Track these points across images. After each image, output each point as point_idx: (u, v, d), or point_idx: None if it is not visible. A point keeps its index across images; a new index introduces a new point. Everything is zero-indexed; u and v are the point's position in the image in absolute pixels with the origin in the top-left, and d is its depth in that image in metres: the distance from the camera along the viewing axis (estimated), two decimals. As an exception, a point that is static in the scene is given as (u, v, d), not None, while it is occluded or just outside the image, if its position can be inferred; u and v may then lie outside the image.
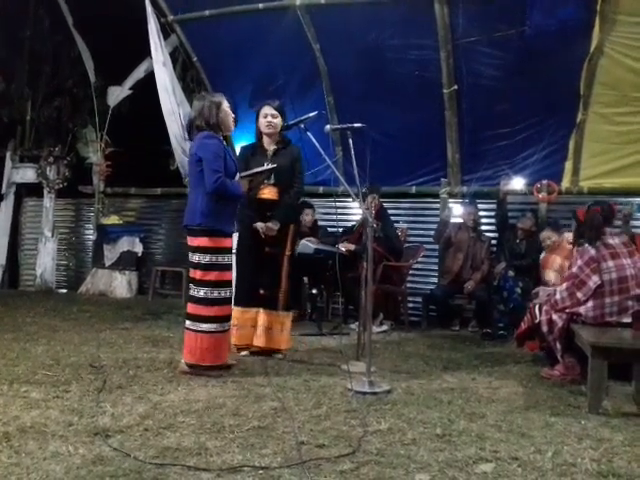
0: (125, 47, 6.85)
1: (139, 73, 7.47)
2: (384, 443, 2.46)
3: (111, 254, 7.48)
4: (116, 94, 7.60)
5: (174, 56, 7.06)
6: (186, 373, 3.47)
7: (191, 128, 3.61)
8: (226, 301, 3.56)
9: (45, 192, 7.74)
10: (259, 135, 4.10)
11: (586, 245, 3.64)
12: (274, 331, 3.98)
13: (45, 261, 7.67)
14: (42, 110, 7.96)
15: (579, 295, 3.54)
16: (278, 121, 4.00)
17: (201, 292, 3.49)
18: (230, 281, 3.60)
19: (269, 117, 4.00)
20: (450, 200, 6.15)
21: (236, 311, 3.92)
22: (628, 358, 3.09)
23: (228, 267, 3.57)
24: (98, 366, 3.59)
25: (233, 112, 3.68)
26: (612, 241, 3.64)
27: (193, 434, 2.48)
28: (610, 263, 3.54)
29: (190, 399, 2.97)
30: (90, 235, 7.92)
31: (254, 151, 4.08)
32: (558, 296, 3.64)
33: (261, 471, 2.14)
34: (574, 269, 3.62)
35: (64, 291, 7.74)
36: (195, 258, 3.52)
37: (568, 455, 2.38)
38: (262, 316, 3.96)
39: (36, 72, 7.86)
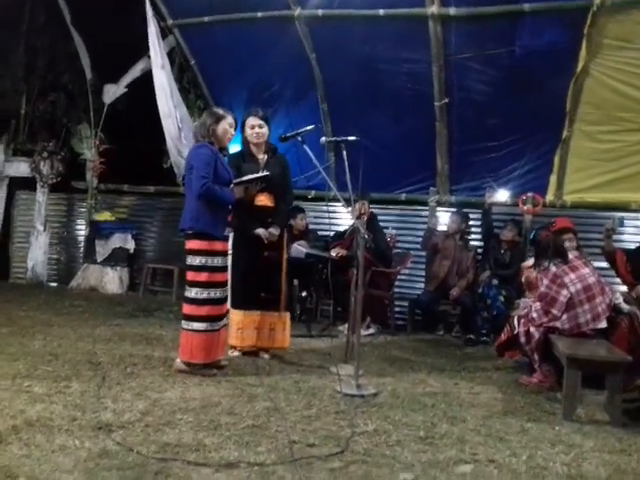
0: (122, 45, 6.92)
1: (135, 72, 7.54)
2: (371, 444, 2.62)
3: (103, 250, 7.55)
4: (112, 92, 7.66)
5: (171, 57, 7.15)
6: (181, 371, 3.61)
7: (194, 136, 3.88)
8: (218, 301, 3.71)
9: (38, 186, 7.78)
10: (246, 143, 4.25)
11: (547, 266, 3.88)
12: (277, 331, 4.15)
13: (37, 254, 7.72)
14: (37, 104, 7.99)
15: (554, 312, 3.76)
16: (265, 130, 4.18)
17: (192, 292, 3.66)
18: (222, 282, 3.76)
19: (256, 128, 4.16)
20: (438, 209, 6.33)
21: (238, 314, 4.08)
22: (601, 369, 3.29)
23: (220, 269, 3.72)
24: (96, 362, 3.71)
25: (235, 128, 3.84)
26: (569, 256, 3.94)
27: (191, 431, 2.63)
28: (572, 275, 3.79)
29: (187, 397, 3.12)
30: (82, 230, 7.99)
31: (244, 159, 4.22)
32: (535, 314, 3.85)
33: (256, 467, 2.29)
34: (542, 289, 3.85)
35: (55, 285, 7.81)
36: (188, 260, 3.71)
37: (541, 459, 2.57)
38: (264, 318, 4.13)
39: (32, 66, 7.90)
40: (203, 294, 3.64)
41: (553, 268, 3.84)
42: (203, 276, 3.64)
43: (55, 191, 8.00)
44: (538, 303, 3.87)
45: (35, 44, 7.85)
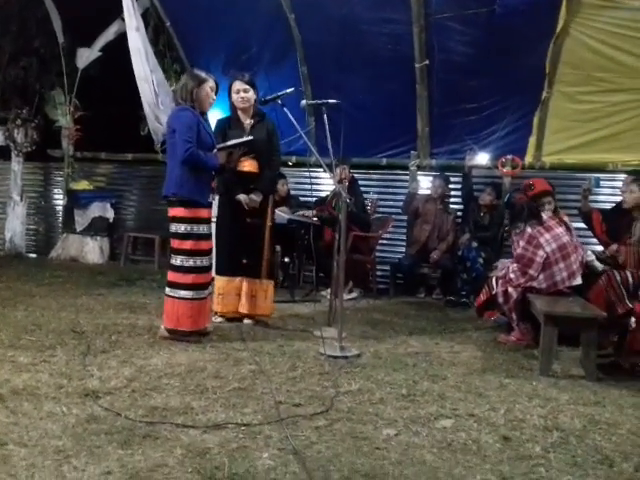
0: (94, 7, 6.71)
1: (109, 35, 7.33)
2: (354, 402, 2.69)
3: (82, 219, 7.47)
4: (85, 56, 7.45)
5: (146, 19, 6.95)
6: (166, 338, 3.63)
7: (174, 98, 3.79)
8: (203, 270, 3.70)
9: (13, 155, 7.61)
10: (233, 108, 4.19)
11: (523, 228, 3.95)
12: (258, 298, 4.15)
13: (14, 225, 7.60)
14: (8, 70, 7.76)
15: (531, 272, 3.84)
16: (250, 95, 4.10)
17: (177, 260, 3.65)
18: (207, 250, 3.74)
19: (241, 93, 4.09)
20: (419, 172, 6.35)
21: (221, 280, 4.09)
22: (577, 326, 3.39)
23: (204, 237, 3.71)
24: (80, 331, 3.72)
25: (216, 92, 3.76)
26: (543, 217, 4.01)
27: (178, 395, 2.67)
28: (547, 236, 3.88)
29: (172, 363, 3.15)
30: (60, 200, 7.87)
31: (230, 124, 4.17)
32: (512, 275, 3.93)
33: (243, 427, 2.35)
34: (519, 250, 3.93)
35: (34, 256, 7.73)
36: (172, 227, 3.68)
37: (519, 412, 2.67)
38: (245, 284, 4.13)
39: (1, 31, 7.63)
40: (189, 262, 3.63)
41: (528, 229, 3.91)
42: (188, 244, 3.62)
43: (30, 160, 7.85)
44: (515, 264, 3.95)
45: (4, 7, 7.57)
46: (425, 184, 6.12)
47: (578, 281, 3.84)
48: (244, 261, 4.12)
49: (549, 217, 4.08)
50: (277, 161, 4.29)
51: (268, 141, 4.12)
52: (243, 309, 4.14)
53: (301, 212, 5.70)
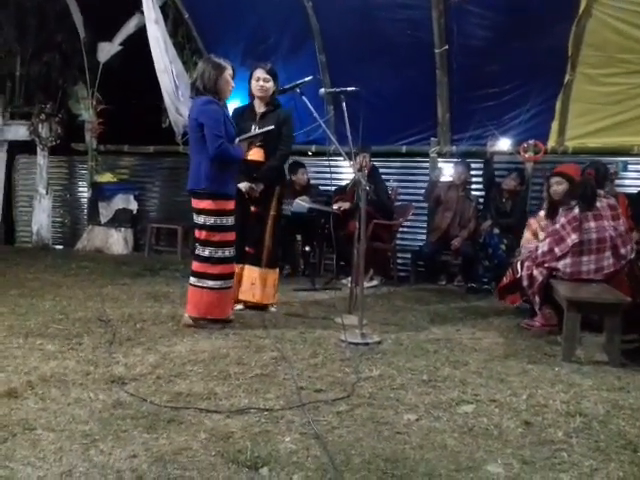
0: (114, 1, 6.79)
1: (129, 28, 7.41)
2: (376, 388, 2.71)
3: (106, 211, 7.60)
4: (106, 50, 7.55)
5: (164, 11, 7.00)
6: (190, 326, 3.68)
7: (192, 88, 3.75)
8: (230, 260, 3.76)
9: (38, 149, 7.76)
10: (251, 96, 4.20)
11: (573, 205, 3.83)
12: (257, 286, 4.17)
13: (40, 218, 7.76)
14: (31, 66, 7.90)
15: (556, 250, 3.78)
16: (270, 85, 4.10)
17: (206, 251, 3.69)
18: (233, 241, 3.77)
19: (261, 81, 4.09)
20: (440, 159, 6.30)
21: None
22: (600, 311, 3.35)
23: (231, 228, 3.74)
24: (106, 320, 3.79)
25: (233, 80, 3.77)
26: (599, 204, 3.81)
27: (202, 381, 2.71)
28: (592, 224, 3.75)
29: (196, 350, 3.20)
30: (84, 192, 8.01)
31: (244, 113, 4.18)
32: (539, 250, 3.87)
33: (266, 412, 2.38)
34: (557, 225, 3.84)
35: (60, 247, 7.89)
36: (200, 220, 3.69)
37: (541, 398, 2.65)
38: (247, 272, 4.17)
39: (23, 27, 7.76)
40: (217, 253, 3.67)
41: (576, 210, 3.79)
42: (217, 236, 3.66)
43: (55, 154, 8.00)
44: (547, 239, 3.87)
45: (25, 4, 7.69)
46: (447, 171, 6.06)
47: (601, 277, 3.75)
48: (247, 249, 4.14)
49: (609, 204, 3.83)
50: (284, 151, 4.21)
51: (277, 130, 4.07)
52: (243, 296, 4.17)
53: (337, 206, 5.63)
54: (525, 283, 3.92)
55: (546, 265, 3.81)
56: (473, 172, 6.06)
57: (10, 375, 2.71)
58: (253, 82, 4.12)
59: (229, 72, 3.70)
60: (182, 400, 2.48)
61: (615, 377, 2.98)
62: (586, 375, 3.01)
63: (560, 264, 3.77)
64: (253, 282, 4.17)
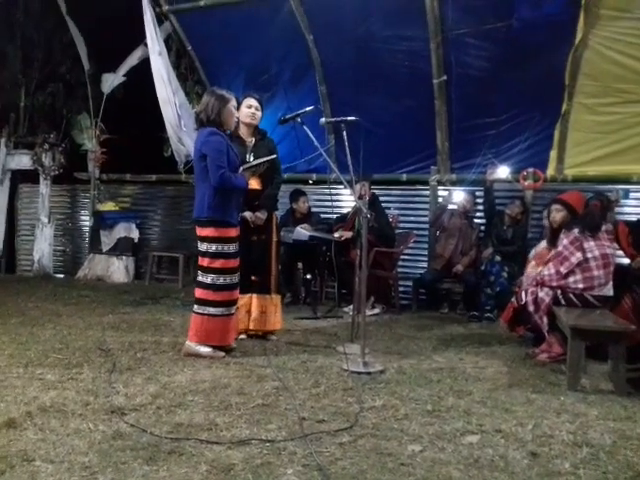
0: (119, 34, 6.92)
1: (133, 60, 7.56)
2: (379, 418, 2.67)
3: (108, 240, 7.62)
4: (110, 81, 7.68)
5: (168, 43, 7.14)
6: (190, 355, 3.65)
7: (196, 119, 3.80)
8: (232, 287, 3.76)
9: (41, 178, 7.83)
10: (237, 123, 4.20)
11: (575, 231, 3.87)
12: (268, 314, 4.19)
13: (42, 247, 7.78)
14: (36, 96, 8.02)
15: (562, 269, 3.81)
16: (260, 114, 4.21)
17: (208, 278, 3.69)
18: (235, 268, 3.78)
19: (253, 108, 4.17)
20: (439, 187, 6.34)
21: None
22: (604, 339, 3.32)
23: (233, 255, 3.75)
24: (106, 349, 3.76)
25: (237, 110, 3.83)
26: (601, 229, 3.91)
27: (202, 411, 2.68)
28: (591, 243, 3.82)
29: (197, 379, 3.17)
30: (86, 221, 8.05)
31: (231, 141, 4.21)
32: (546, 272, 3.88)
33: (268, 444, 2.34)
34: (560, 248, 3.89)
35: (61, 276, 7.88)
36: (203, 247, 3.72)
37: (547, 428, 2.61)
38: (256, 301, 4.17)
39: (29, 58, 7.90)
40: (219, 280, 3.68)
41: (576, 230, 3.86)
42: (218, 262, 3.67)
43: (58, 183, 8.07)
44: (551, 263, 3.90)
45: (31, 35, 7.85)
46: (455, 198, 6.07)
47: (611, 292, 3.76)
48: (253, 278, 4.16)
49: (606, 230, 3.95)
50: (280, 179, 4.33)
51: (271, 159, 4.13)
52: (254, 325, 4.17)
53: (337, 234, 5.66)
54: (531, 308, 3.89)
55: (554, 284, 3.81)
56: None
57: (9, 405, 2.67)
58: (244, 109, 4.17)
59: (233, 103, 3.76)
60: (183, 431, 2.44)
61: (621, 406, 2.94)
62: (592, 404, 2.97)
63: (570, 281, 3.78)
64: (264, 310, 4.18)
